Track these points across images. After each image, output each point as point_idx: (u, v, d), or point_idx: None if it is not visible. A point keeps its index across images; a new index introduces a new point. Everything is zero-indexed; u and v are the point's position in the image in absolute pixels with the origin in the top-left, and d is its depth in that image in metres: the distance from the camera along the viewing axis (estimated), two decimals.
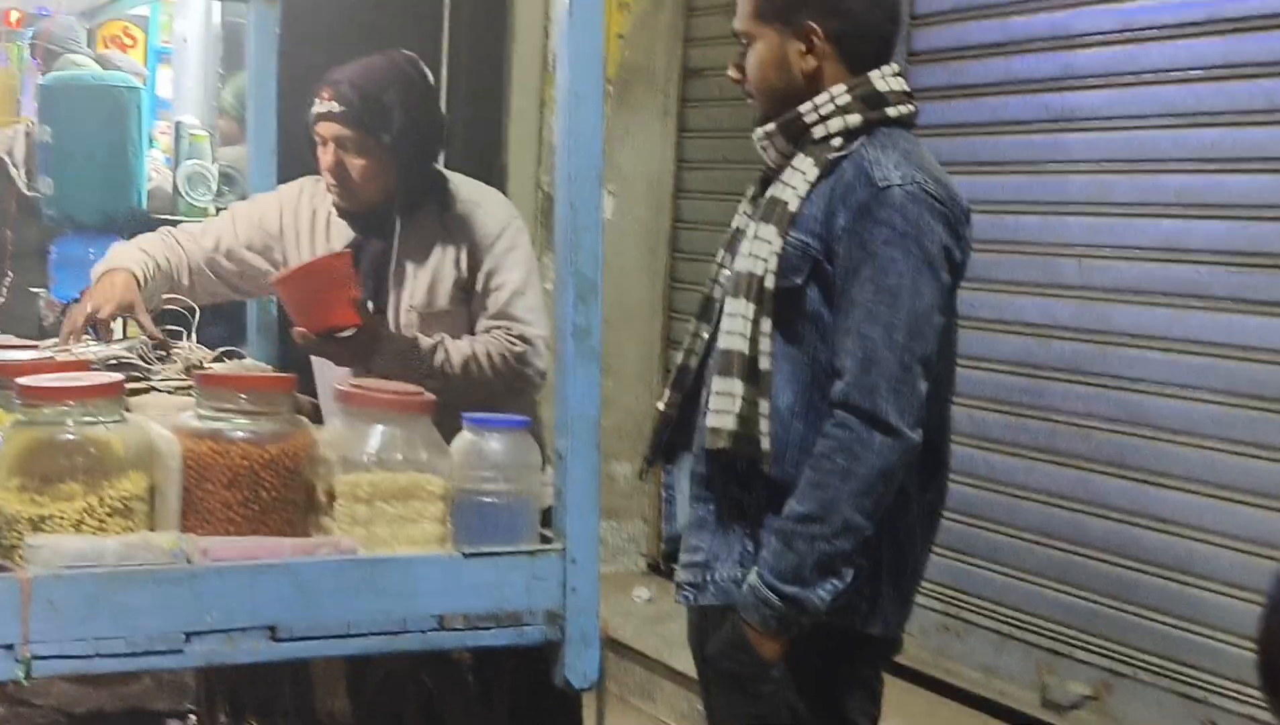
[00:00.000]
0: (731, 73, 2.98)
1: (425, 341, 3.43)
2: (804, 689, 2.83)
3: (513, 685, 3.25)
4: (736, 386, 2.79)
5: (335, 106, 3.50)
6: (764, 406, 2.78)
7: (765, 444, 2.78)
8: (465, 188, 3.71)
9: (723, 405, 2.81)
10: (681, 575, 2.98)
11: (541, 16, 5.66)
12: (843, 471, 2.67)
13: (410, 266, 3.59)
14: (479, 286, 3.55)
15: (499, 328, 3.50)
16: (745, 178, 3.11)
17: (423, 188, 3.62)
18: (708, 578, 2.89)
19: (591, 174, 2.72)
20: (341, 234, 3.68)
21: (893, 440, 2.67)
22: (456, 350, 3.44)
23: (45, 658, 2.41)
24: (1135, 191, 4.26)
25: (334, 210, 3.66)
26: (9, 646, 2.39)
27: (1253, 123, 3.95)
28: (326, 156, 3.54)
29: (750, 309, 2.78)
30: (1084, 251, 4.40)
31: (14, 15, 11.46)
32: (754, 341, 2.78)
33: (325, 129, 3.52)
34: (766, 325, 2.78)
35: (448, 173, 3.75)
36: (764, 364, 2.78)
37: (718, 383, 2.83)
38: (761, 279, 2.77)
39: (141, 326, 3.46)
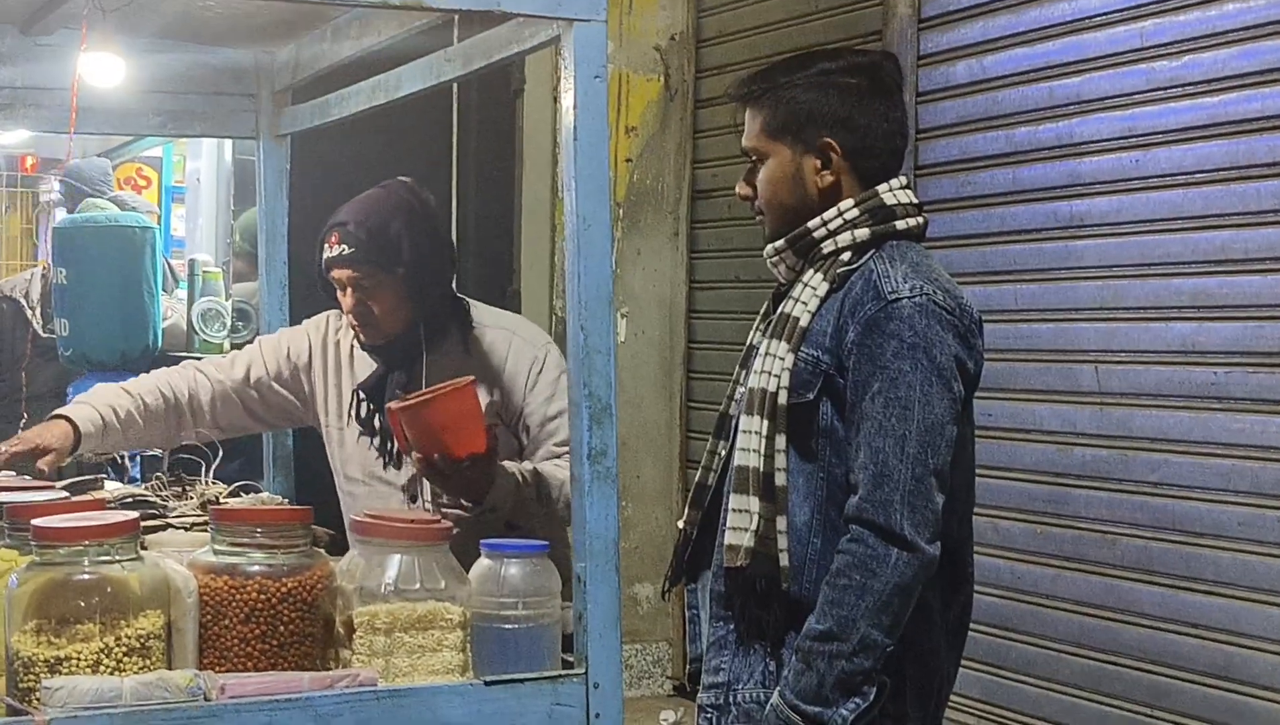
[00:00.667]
0: (741, 190, 2.96)
1: (527, 468, 3.39)
2: None
3: None
4: (753, 503, 2.76)
5: (345, 249, 3.49)
6: (781, 523, 2.75)
7: (784, 561, 2.75)
8: (487, 313, 3.69)
9: (739, 522, 2.78)
10: (703, 697, 2.94)
11: (550, 142, 5.69)
12: (859, 587, 2.64)
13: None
14: (533, 414, 3.51)
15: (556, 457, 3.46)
16: (758, 296, 3.11)
17: (443, 314, 3.60)
18: (730, 699, 2.86)
19: (602, 297, 2.74)
20: (365, 366, 3.65)
21: (909, 554, 2.65)
22: (555, 477, 3.39)
23: None
24: (1148, 295, 4.26)
25: (358, 344, 3.65)
26: None
27: (1262, 223, 3.96)
28: (346, 300, 3.53)
29: (764, 425, 2.77)
30: (1099, 356, 4.39)
31: (30, 159, 11.65)
32: (769, 458, 2.76)
33: (339, 274, 3.51)
34: (781, 441, 2.76)
35: (467, 299, 3.72)
36: (780, 480, 2.76)
37: (734, 500, 2.80)
38: (775, 395, 2.76)
39: (37, 471, 3.43)
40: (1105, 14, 4.37)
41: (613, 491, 2.73)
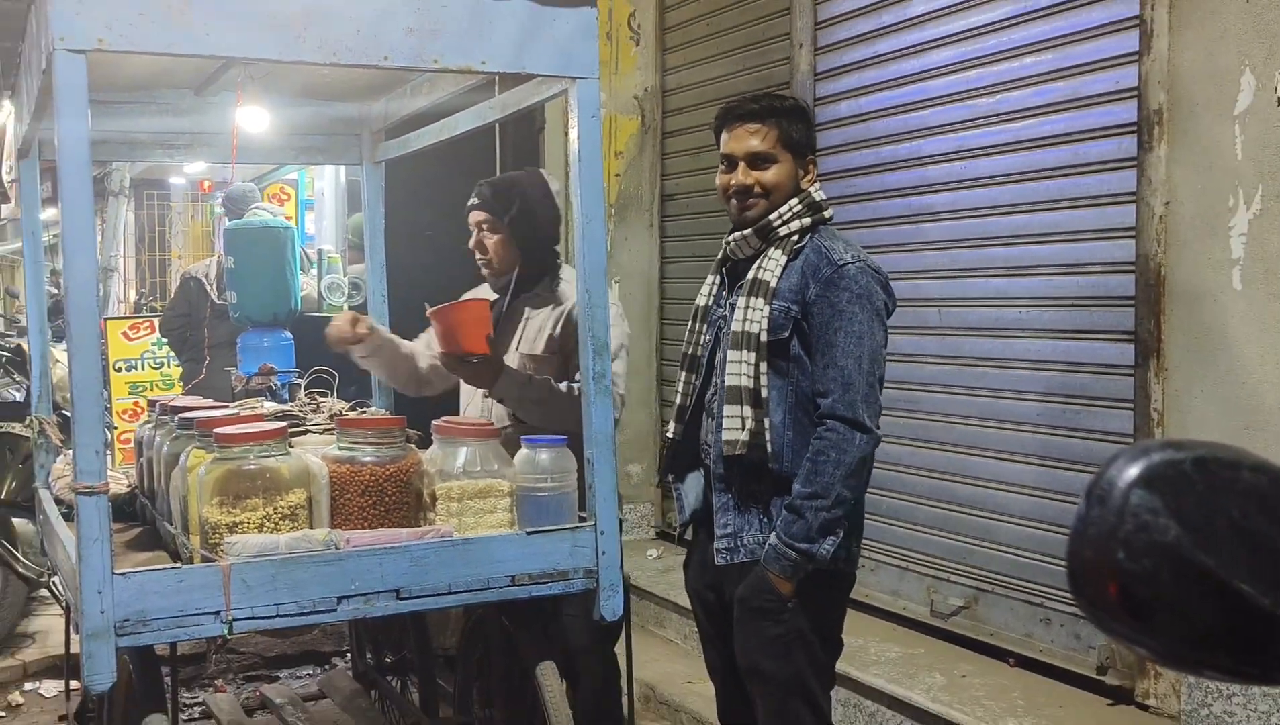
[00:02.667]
0: (743, 178, 2.87)
1: (537, 378, 3.31)
2: (809, 614, 2.82)
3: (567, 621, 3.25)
4: (746, 411, 2.80)
5: (478, 199, 3.52)
6: (766, 423, 2.79)
7: (769, 448, 2.79)
8: (570, 271, 3.58)
9: (734, 425, 2.81)
10: (719, 544, 2.91)
11: (563, 162, 5.66)
12: (835, 462, 2.70)
13: (521, 319, 3.50)
14: (574, 350, 3.45)
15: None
16: (700, 265, 3.10)
17: (539, 263, 3.55)
18: (739, 543, 2.88)
19: (600, 270, 2.74)
20: (485, 294, 3.63)
21: (868, 437, 2.73)
22: (557, 386, 3.33)
23: (241, 619, 2.42)
24: (974, 260, 4.26)
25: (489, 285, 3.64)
26: (216, 612, 2.38)
27: (1049, 209, 3.95)
28: (473, 237, 3.54)
29: (751, 356, 2.80)
30: (941, 303, 4.39)
31: (206, 182, 11.58)
32: (755, 378, 2.80)
33: (472, 216, 3.53)
34: (764, 367, 2.80)
35: (562, 260, 3.67)
36: (764, 393, 2.80)
37: (728, 409, 2.82)
38: (757, 336, 2.80)
39: (360, 326, 3.48)
40: (943, 66, 4.35)
41: (609, 401, 2.74)
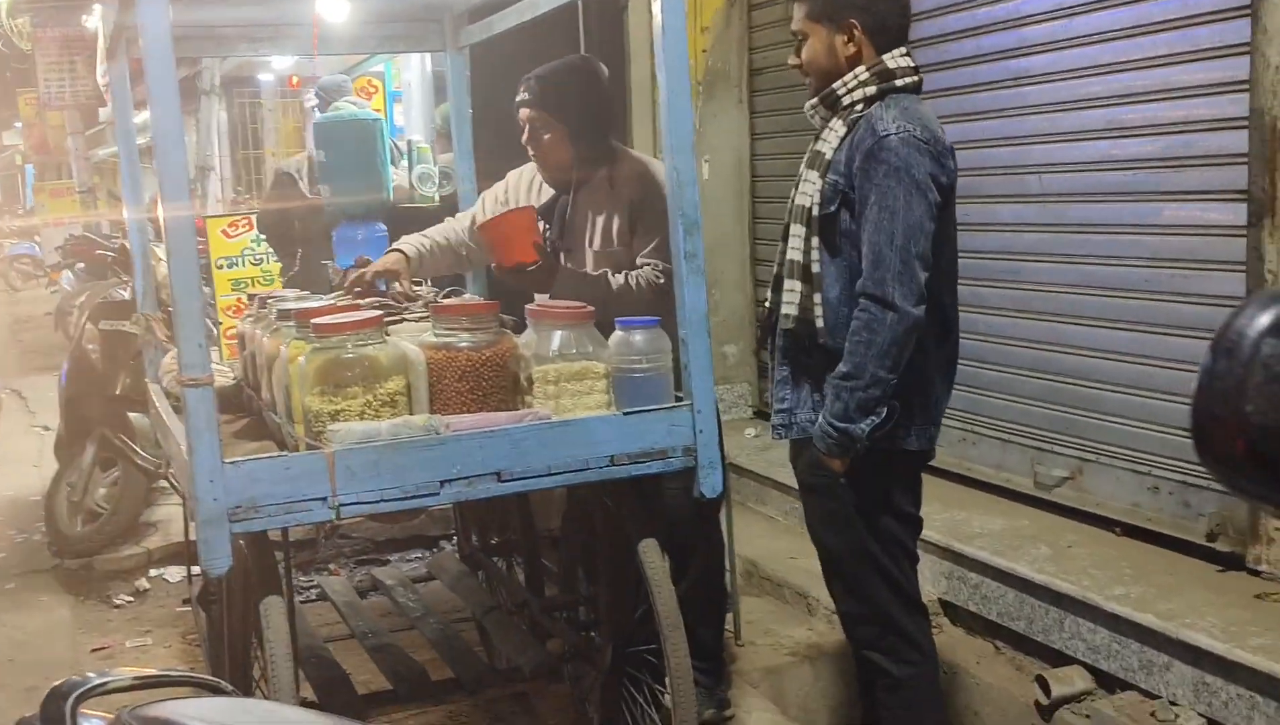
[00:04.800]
0: (792, 60, 2.92)
1: (593, 275, 3.32)
2: (862, 490, 2.82)
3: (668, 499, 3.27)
4: (797, 286, 2.80)
5: (527, 95, 3.42)
6: (817, 298, 2.77)
7: (819, 323, 2.77)
8: (630, 159, 3.53)
9: (789, 299, 2.82)
10: (774, 418, 2.99)
11: (648, 40, 5.56)
12: (866, 342, 2.66)
13: (588, 217, 3.44)
14: (639, 233, 3.37)
15: (649, 264, 3.38)
16: (800, 141, 3.04)
17: (596, 156, 3.45)
18: (791, 420, 2.91)
19: (686, 145, 2.71)
20: (547, 193, 3.55)
21: (898, 315, 2.66)
22: (615, 281, 3.32)
23: (348, 504, 2.47)
24: (1076, 123, 4.09)
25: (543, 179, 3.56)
26: (323, 498, 2.43)
27: (1157, 65, 3.78)
28: (525, 134, 3.46)
29: (803, 231, 2.79)
30: (1041, 169, 4.25)
31: (294, 78, 11.61)
32: (807, 253, 2.78)
33: (522, 113, 3.44)
34: (815, 241, 2.77)
35: (619, 146, 3.56)
36: (815, 268, 2.77)
37: (786, 283, 2.83)
38: (809, 209, 2.77)
39: (400, 286, 3.43)
40: None
41: (702, 281, 2.71)
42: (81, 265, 9.07)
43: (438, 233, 3.74)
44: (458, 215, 3.90)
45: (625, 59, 6.11)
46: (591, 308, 2.84)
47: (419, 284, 3.65)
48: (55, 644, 4.64)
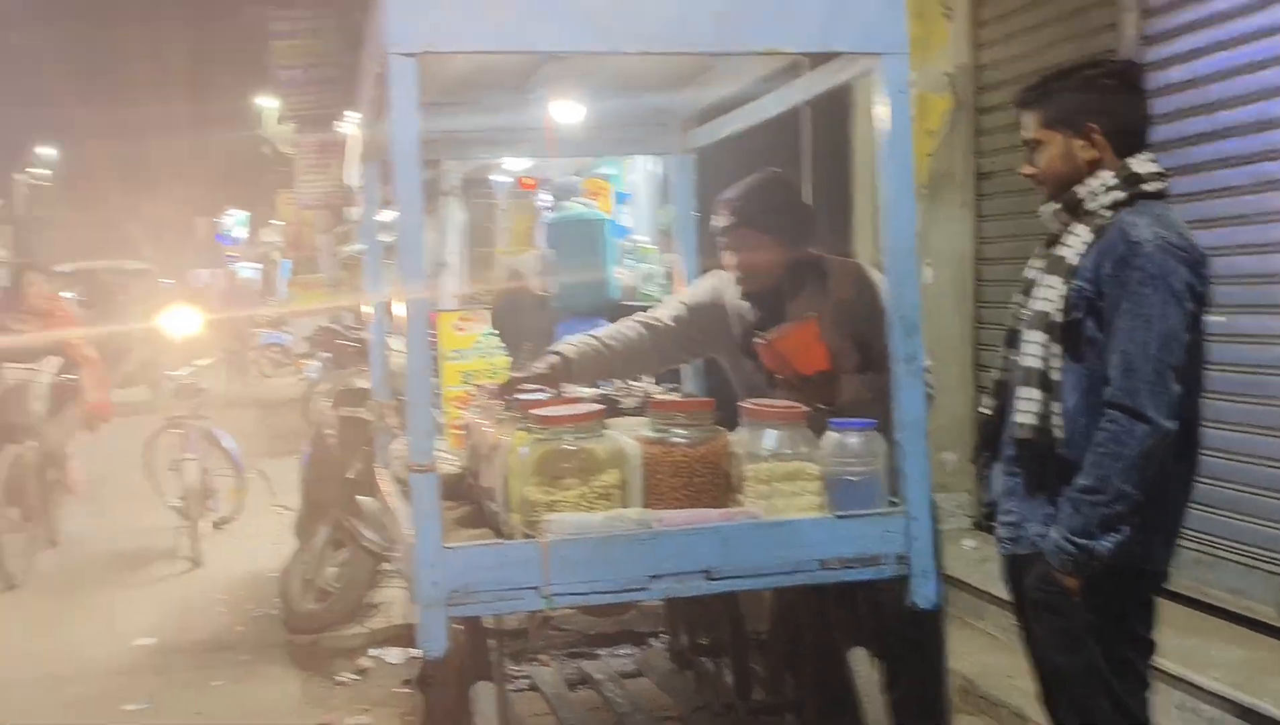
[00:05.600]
0: (1025, 169, 2.89)
1: (865, 378, 3.23)
2: (1098, 610, 2.70)
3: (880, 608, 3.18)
4: (1035, 393, 2.73)
5: (728, 219, 3.45)
6: (1056, 407, 2.70)
7: (1057, 433, 2.69)
8: (840, 264, 3.53)
9: (1026, 407, 2.75)
10: (1001, 532, 2.90)
11: (872, 143, 5.58)
12: (1113, 454, 2.57)
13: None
14: (868, 331, 3.26)
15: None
16: (1027, 244, 2.98)
17: (803, 267, 3.46)
18: (1020, 534, 2.82)
19: (907, 247, 2.69)
20: (747, 310, 3.53)
21: (1150, 428, 2.56)
22: (876, 383, 3.27)
23: (561, 594, 2.51)
24: None
25: (742, 296, 3.55)
26: (536, 587, 2.48)
27: None
28: (728, 257, 3.49)
29: (1044, 337, 2.73)
30: None
31: (528, 179, 12.12)
32: (1046, 360, 2.71)
33: (723, 236, 3.47)
34: (1056, 348, 2.71)
35: (822, 255, 3.56)
36: (1054, 376, 2.70)
37: (1021, 391, 2.76)
38: (1051, 315, 2.70)
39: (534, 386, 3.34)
40: None
41: (919, 384, 2.68)
42: (326, 354, 9.58)
43: (614, 333, 3.70)
44: (635, 316, 3.87)
45: (849, 162, 6.14)
46: (805, 408, 2.82)
47: (637, 379, 3.70)
48: (283, 716, 4.83)
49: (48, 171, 41.85)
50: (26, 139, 38.05)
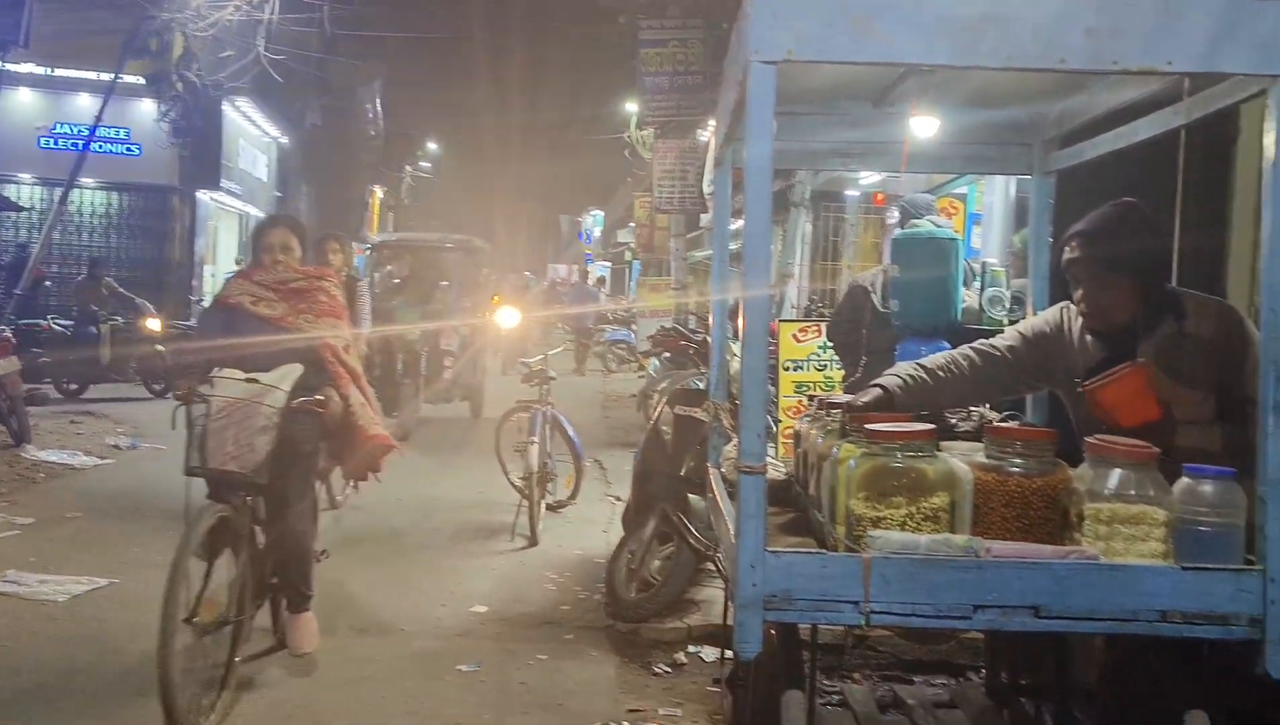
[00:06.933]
0: None
1: (1201, 428, 3.04)
2: None
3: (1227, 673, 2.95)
4: None
5: (1079, 253, 3.29)
6: None
7: None
8: (1198, 301, 3.30)
9: None
10: None
11: (1257, 175, 5.17)
12: None
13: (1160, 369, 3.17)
14: (1236, 383, 3.08)
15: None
16: None
17: (1159, 306, 3.26)
18: None
19: None
20: (1093, 345, 3.37)
21: None
22: (1231, 433, 3.01)
23: (879, 612, 2.48)
24: None
25: (1086, 330, 3.39)
26: (855, 602, 2.46)
27: None
28: (1078, 292, 3.33)
29: None
30: None
31: (879, 195, 12.00)
32: None
33: (1075, 271, 3.31)
34: None
35: (1179, 291, 3.35)
36: None
37: None
38: None
39: (847, 414, 3.17)
40: None
41: None
42: (667, 355, 9.86)
43: (936, 364, 3.53)
44: (970, 344, 3.72)
45: (1228, 195, 5.70)
46: (1156, 449, 2.65)
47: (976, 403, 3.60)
48: (598, 698, 5.00)
49: (429, 165, 45.28)
50: (416, 134, 41.29)
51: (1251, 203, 5.39)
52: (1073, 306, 3.44)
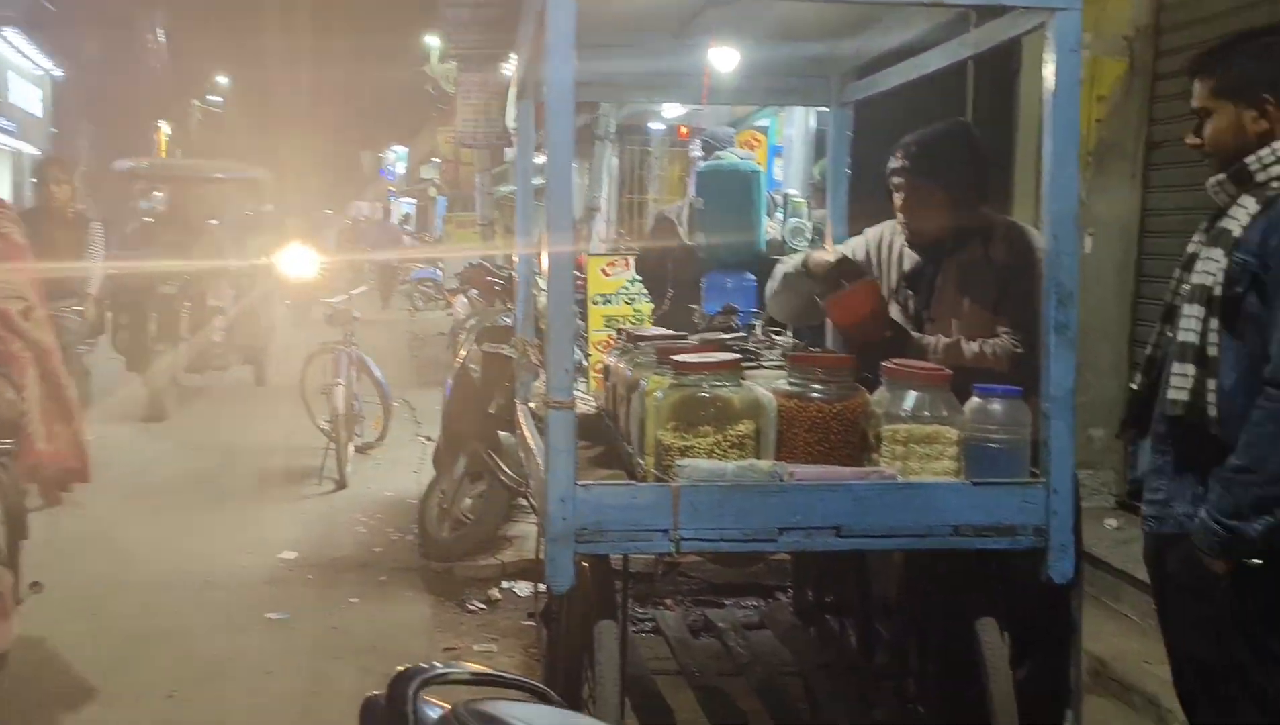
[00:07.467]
0: (1191, 139, 2.78)
1: (943, 341, 3.23)
2: (1245, 597, 2.63)
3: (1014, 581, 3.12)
4: (1190, 369, 2.64)
5: (902, 162, 3.38)
6: (1211, 384, 2.61)
7: (1211, 412, 2.59)
8: (1006, 226, 3.42)
9: (1179, 383, 2.66)
10: (1146, 510, 2.82)
11: (1038, 105, 5.41)
12: (1271, 435, 2.48)
13: (960, 286, 3.34)
14: (1005, 300, 3.26)
15: (1008, 334, 3.27)
16: (1196, 220, 2.86)
17: (971, 225, 3.37)
18: (1166, 513, 2.74)
19: (1069, 214, 2.61)
20: (909, 259, 3.49)
21: None
22: (968, 348, 3.22)
23: (688, 539, 2.52)
24: None
25: (905, 244, 3.50)
26: (665, 530, 2.50)
27: None
28: (898, 199, 3.42)
29: (1202, 311, 2.63)
30: None
31: (683, 128, 12.07)
32: (1204, 335, 2.61)
33: (896, 180, 3.40)
34: (1214, 323, 2.61)
35: (994, 215, 3.47)
36: (1211, 352, 2.61)
37: (1176, 367, 2.68)
38: (1211, 289, 2.60)
39: (752, 331, 3.46)
40: None
41: (1071, 355, 2.60)
42: (475, 291, 9.75)
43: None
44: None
45: (1014, 125, 5.95)
46: (949, 371, 2.77)
47: (780, 333, 3.68)
48: (413, 638, 4.98)
49: (219, 100, 43.39)
50: (203, 67, 39.47)
51: (1034, 133, 5.64)
52: (889, 224, 3.55)
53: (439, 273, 20.53)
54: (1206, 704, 2.77)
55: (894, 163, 3.40)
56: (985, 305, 3.28)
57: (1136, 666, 4.19)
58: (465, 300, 10.46)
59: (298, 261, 11.51)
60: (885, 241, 3.59)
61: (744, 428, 2.61)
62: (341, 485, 7.60)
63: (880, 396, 2.75)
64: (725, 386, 2.63)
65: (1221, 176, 2.69)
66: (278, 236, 12.84)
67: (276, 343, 11.94)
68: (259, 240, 12.11)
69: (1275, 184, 2.60)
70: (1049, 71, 2.57)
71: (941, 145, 3.38)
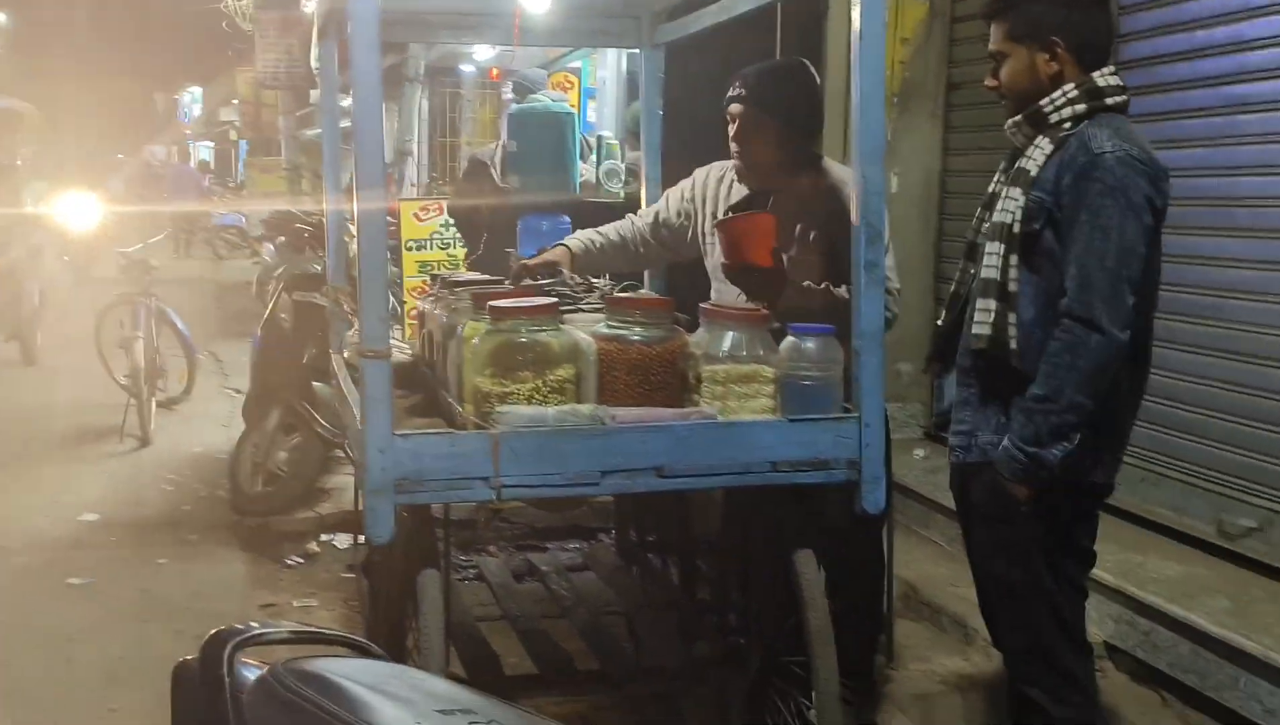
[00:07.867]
0: (989, 81, 2.87)
1: (816, 287, 3.23)
2: (1043, 520, 2.75)
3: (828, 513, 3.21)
4: (992, 304, 2.73)
5: (742, 91, 3.39)
6: (1011, 318, 2.70)
7: (1013, 345, 2.70)
8: (835, 170, 3.47)
9: (981, 318, 2.75)
10: (953, 440, 2.93)
11: (845, 47, 5.51)
12: (1067, 365, 2.58)
13: (786, 222, 3.33)
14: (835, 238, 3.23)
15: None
16: (994, 158, 2.97)
17: (801, 162, 3.42)
18: (972, 443, 2.85)
19: (877, 154, 2.66)
20: (738, 193, 3.52)
21: (1105, 339, 2.57)
22: (839, 293, 3.18)
23: (510, 486, 2.50)
24: None
25: (736, 177, 3.52)
26: (486, 478, 2.47)
27: None
28: (733, 129, 3.43)
29: (1002, 248, 2.72)
30: (1255, 202, 4.03)
31: (495, 70, 11.92)
32: (1004, 271, 2.71)
33: (733, 108, 3.41)
34: (1014, 260, 2.70)
35: (824, 156, 3.53)
36: (1012, 287, 2.70)
37: (979, 302, 2.77)
38: (1010, 226, 2.70)
39: (563, 278, 3.42)
40: None
41: (880, 292, 2.67)
42: (282, 239, 9.43)
43: (611, 230, 3.77)
44: (639, 212, 3.91)
45: (821, 66, 6.05)
46: (766, 312, 2.81)
47: (598, 276, 3.67)
48: (229, 597, 4.84)
49: None
50: None
51: (841, 74, 5.75)
52: (726, 164, 3.57)
53: (244, 219, 19.80)
54: (1008, 623, 2.92)
55: (732, 91, 3.42)
56: (811, 244, 3.34)
57: (944, 590, 4.38)
58: (272, 248, 10.11)
59: (78, 211, 10.27)
60: (714, 177, 3.63)
61: (564, 372, 2.60)
62: (145, 443, 7.30)
63: (700, 338, 2.78)
64: (544, 331, 2.61)
65: (1018, 118, 2.79)
66: (52, 184, 11.54)
67: (58, 304, 11.01)
68: (18, 189, 10.66)
69: (1068, 125, 2.70)
70: (856, 14, 2.61)
71: (776, 76, 3.43)
